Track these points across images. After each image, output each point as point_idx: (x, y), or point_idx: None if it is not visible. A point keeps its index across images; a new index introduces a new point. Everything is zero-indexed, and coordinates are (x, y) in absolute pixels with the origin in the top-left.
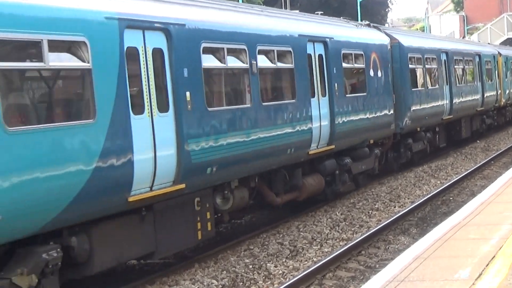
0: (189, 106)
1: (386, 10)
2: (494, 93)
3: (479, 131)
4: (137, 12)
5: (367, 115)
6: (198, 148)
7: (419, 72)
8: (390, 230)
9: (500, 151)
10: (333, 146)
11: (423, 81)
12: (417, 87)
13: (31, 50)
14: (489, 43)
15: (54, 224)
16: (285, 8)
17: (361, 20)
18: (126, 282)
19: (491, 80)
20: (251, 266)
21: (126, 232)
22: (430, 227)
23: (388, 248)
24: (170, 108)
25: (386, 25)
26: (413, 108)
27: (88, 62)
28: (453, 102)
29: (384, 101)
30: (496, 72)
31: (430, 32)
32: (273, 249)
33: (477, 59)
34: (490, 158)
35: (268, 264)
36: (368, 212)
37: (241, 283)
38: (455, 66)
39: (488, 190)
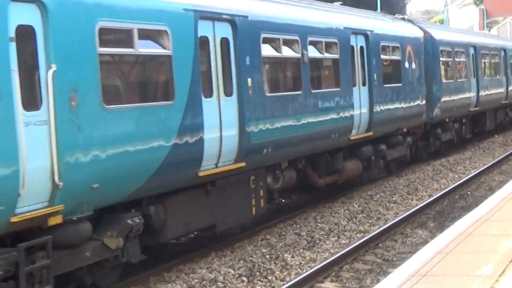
0: (250, 91)
1: (405, 1)
2: None
3: (502, 123)
4: (209, 5)
5: (402, 105)
6: (256, 130)
7: (449, 65)
8: (407, 223)
9: None
10: (371, 133)
11: (452, 73)
12: (447, 79)
13: (124, 37)
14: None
15: (138, 193)
16: None
17: (380, 12)
18: (145, 268)
19: None
20: (268, 256)
21: (194, 205)
22: (448, 221)
23: (406, 241)
24: (234, 93)
25: (406, 16)
26: (443, 99)
27: (169, 49)
28: (480, 94)
29: (417, 91)
30: None
31: (449, 25)
32: (290, 240)
33: (502, 53)
34: (508, 153)
35: (285, 255)
36: (386, 205)
37: (258, 272)
38: (482, 60)
39: (509, 186)
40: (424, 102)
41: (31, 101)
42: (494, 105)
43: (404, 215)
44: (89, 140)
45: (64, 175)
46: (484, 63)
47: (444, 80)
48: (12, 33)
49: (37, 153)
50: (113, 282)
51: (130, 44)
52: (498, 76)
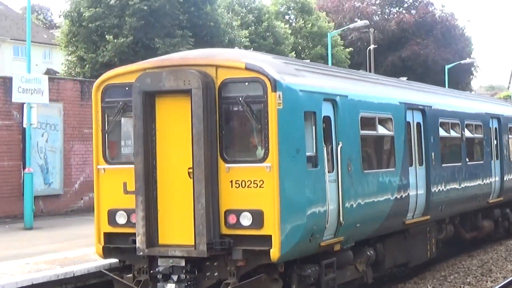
0: (433, 163)
1: (470, 77)
2: None
3: None
4: (411, 99)
5: None
6: (436, 191)
7: None
8: None
9: None
10: (502, 198)
11: None
12: None
13: (371, 123)
14: None
15: (375, 233)
16: (370, 71)
17: (448, 86)
18: None
19: None
20: None
21: (399, 245)
22: None
23: None
24: (423, 163)
25: (473, 92)
26: None
27: (392, 131)
28: None
29: None
30: None
31: None
32: None
33: None
34: None
35: None
36: (460, 286)
37: None
38: None
39: None
40: None
41: (330, 167)
42: None
43: None
44: (356, 193)
45: (345, 216)
46: None
47: None
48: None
49: (332, 200)
50: None
51: (374, 128)
52: None
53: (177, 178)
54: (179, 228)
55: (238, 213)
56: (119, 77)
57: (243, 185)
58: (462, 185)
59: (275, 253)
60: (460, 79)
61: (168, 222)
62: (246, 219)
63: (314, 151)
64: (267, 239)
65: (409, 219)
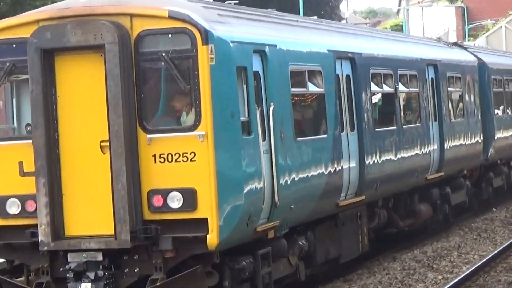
0: (366, 127)
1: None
2: None
3: None
4: (339, 45)
5: (466, 142)
6: (370, 163)
7: (499, 96)
8: None
9: None
10: (442, 173)
11: (504, 106)
12: (500, 113)
13: (300, 78)
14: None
15: (308, 216)
16: None
17: (303, 14)
18: None
19: None
20: None
21: (331, 235)
22: None
23: None
24: (355, 127)
25: (344, 21)
26: (497, 136)
27: (322, 88)
28: None
29: (476, 128)
30: None
31: (409, 32)
32: None
33: None
34: None
35: None
36: None
37: None
38: None
39: None
40: (481, 139)
41: (262, 134)
42: None
43: None
44: (290, 166)
45: (280, 195)
46: None
47: (497, 114)
48: None
49: (267, 175)
50: None
51: (304, 85)
52: None
53: (86, 154)
54: (91, 215)
55: (165, 193)
56: (7, 30)
57: (170, 160)
58: (398, 156)
59: (212, 240)
60: (322, 1)
61: (76, 209)
62: (175, 201)
63: (247, 116)
64: (202, 223)
65: (342, 199)
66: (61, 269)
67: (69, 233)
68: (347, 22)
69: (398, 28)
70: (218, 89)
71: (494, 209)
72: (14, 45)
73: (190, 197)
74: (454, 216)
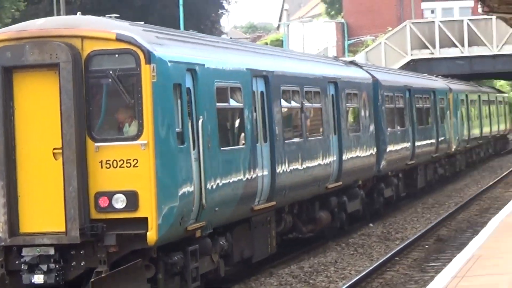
0: (277, 138)
1: (220, 12)
2: (447, 136)
3: (431, 182)
4: (254, 64)
5: (361, 154)
6: (280, 172)
7: (391, 112)
8: None
9: (407, 241)
10: (340, 183)
11: (394, 121)
12: (391, 128)
13: (224, 94)
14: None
15: (229, 218)
16: (58, 6)
17: (184, 28)
18: None
19: (443, 122)
20: None
21: (245, 236)
22: None
23: None
24: (267, 139)
25: (224, 35)
26: (389, 149)
27: (242, 103)
28: (415, 145)
29: (370, 141)
30: (448, 112)
31: (289, 47)
32: None
33: (432, 96)
34: (393, 253)
35: None
36: None
37: None
38: (416, 105)
39: None
40: (375, 152)
41: (193, 144)
42: (426, 158)
43: None
44: (215, 172)
45: (207, 198)
46: (419, 108)
47: (388, 129)
48: None
49: (196, 180)
50: None
51: (227, 100)
52: (430, 124)
53: (40, 160)
54: (44, 214)
55: (110, 195)
56: None
57: (115, 165)
58: (304, 166)
59: (152, 237)
60: (202, 15)
61: (30, 209)
62: (119, 202)
63: (181, 127)
64: (143, 222)
65: (256, 204)
66: (16, 262)
67: (24, 230)
68: (227, 36)
69: (279, 44)
70: (158, 104)
71: (371, 225)
72: None
73: (132, 199)
74: (349, 223)
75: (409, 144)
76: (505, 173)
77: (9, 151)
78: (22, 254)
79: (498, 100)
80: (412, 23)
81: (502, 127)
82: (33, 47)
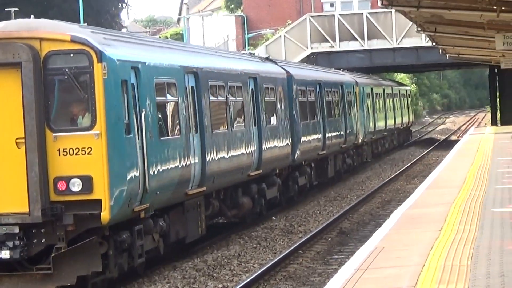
0: (206, 129)
1: (120, 6)
2: (355, 128)
3: (340, 171)
4: (186, 62)
5: (278, 144)
6: (209, 160)
7: (303, 105)
8: None
9: (310, 234)
10: (260, 171)
11: (306, 113)
12: (304, 120)
13: (162, 89)
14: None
15: (167, 201)
16: None
17: (84, 22)
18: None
19: (350, 114)
20: None
21: (180, 219)
22: None
23: None
24: (198, 129)
25: (124, 29)
26: (302, 140)
27: (176, 97)
28: (326, 137)
29: (286, 132)
30: (355, 104)
31: (189, 41)
32: None
33: (340, 89)
34: (296, 246)
35: None
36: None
37: None
38: (326, 98)
39: None
40: (290, 142)
41: (137, 134)
42: (335, 149)
43: None
44: (156, 159)
45: (150, 183)
46: (328, 102)
47: (302, 121)
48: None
49: (140, 166)
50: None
51: (164, 95)
52: (339, 117)
53: (4, 148)
54: (8, 197)
55: (67, 179)
56: None
57: (71, 153)
58: (230, 154)
59: (105, 216)
60: (102, 9)
61: None
62: (75, 185)
63: (127, 119)
64: (97, 203)
65: (189, 189)
66: None
67: None
68: (127, 30)
69: (179, 37)
70: (108, 98)
71: (274, 218)
72: None
73: (87, 183)
74: (268, 209)
75: (320, 135)
76: (407, 165)
77: None
78: None
79: (401, 93)
80: (311, 16)
81: (405, 119)
82: None
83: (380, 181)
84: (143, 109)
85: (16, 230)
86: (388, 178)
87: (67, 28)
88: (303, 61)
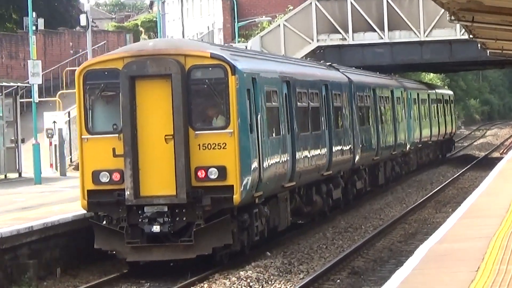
0: (296, 131)
1: None
2: (403, 136)
3: (389, 179)
4: (281, 71)
5: (344, 148)
6: (298, 158)
7: (362, 110)
8: None
9: (314, 275)
10: (331, 171)
11: (364, 119)
12: (362, 125)
13: (269, 96)
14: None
15: (272, 191)
16: None
17: (34, 5)
18: None
19: (400, 121)
20: None
21: (276, 208)
22: None
23: None
24: (289, 131)
25: (83, 15)
26: (361, 144)
27: (277, 103)
28: (380, 142)
29: (349, 136)
30: (403, 111)
31: (165, 29)
32: None
33: (390, 95)
34: None
35: None
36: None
37: None
38: (379, 105)
39: None
40: (352, 146)
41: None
42: (386, 155)
43: None
44: (267, 154)
45: (263, 173)
46: (381, 108)
47: (360, 126)
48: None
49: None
50: None
51: (274, 100)
52: (390, 123)
53: (155, 143)
54: (159, 183)
55: (206, 169)
56: (99, 64)
57: (209, 147)
58: (311, 154)
59: (237, 199)
60: None
61: (148, 178)
62: (213, 173)
63: (250, 120)
64: (230, 188)
65: (285, 182)
66: (139, 218)
67: (144, 194)
68: (87, 17)
69: (152, 26)
70: (239, 103)
71: (268, 254)
72: (106, 73)
73: (222, 172)
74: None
75: (374, 141)
76: (436, 189)
77: (133, 137)
78: (144, 211)
79: (445, 98)
80: (318, 1)
81: (449, 128)
82: (153, 62)
83: (403, 208)
84: (259, 113)
85: (165, 209)
86: (413, 205)
87: (204, 47)
88: (308, 56)
